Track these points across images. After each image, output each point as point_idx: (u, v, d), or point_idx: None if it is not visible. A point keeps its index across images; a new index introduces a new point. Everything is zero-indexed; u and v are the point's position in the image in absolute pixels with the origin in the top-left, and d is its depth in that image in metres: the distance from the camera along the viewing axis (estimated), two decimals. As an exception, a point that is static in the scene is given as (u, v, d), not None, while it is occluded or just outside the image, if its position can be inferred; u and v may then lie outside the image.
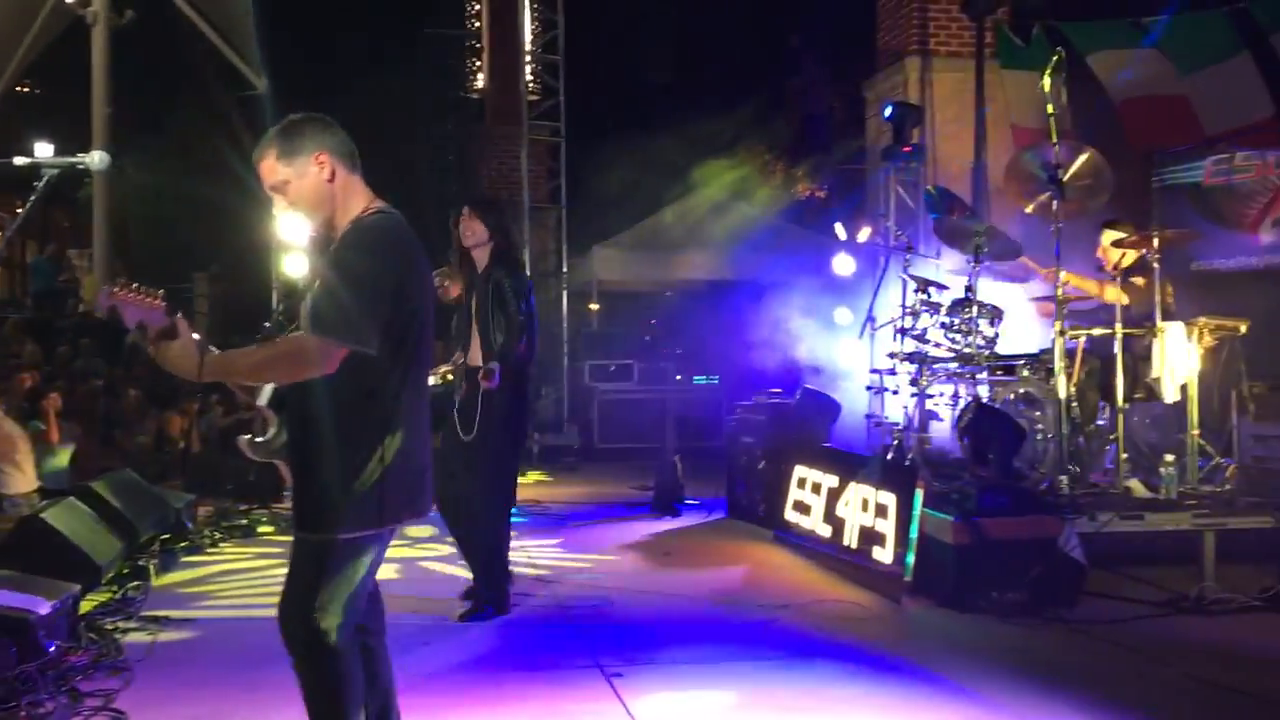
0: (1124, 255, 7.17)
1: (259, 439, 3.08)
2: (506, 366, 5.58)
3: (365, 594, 3.08)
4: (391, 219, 3.08)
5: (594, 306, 16.04)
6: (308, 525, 3.00)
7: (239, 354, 3.01)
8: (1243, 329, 6.89)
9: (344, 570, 2.96)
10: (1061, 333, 6.64)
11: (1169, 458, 6.53)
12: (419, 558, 7.24)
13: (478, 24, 16.80)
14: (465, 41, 16.44)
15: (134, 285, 2.90)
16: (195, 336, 2.89)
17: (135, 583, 6.12)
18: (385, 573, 7.11)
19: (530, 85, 15.44)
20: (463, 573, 6.74)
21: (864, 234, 9.60)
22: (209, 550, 7.43)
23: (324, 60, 15.41)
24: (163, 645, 5.13)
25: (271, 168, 3.05)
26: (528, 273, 6.01)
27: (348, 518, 2.93)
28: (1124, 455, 6.71)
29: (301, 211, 3.09)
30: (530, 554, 7.34)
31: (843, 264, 9.78)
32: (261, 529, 8.08)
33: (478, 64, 16.80)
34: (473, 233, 5.73)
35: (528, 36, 15.46)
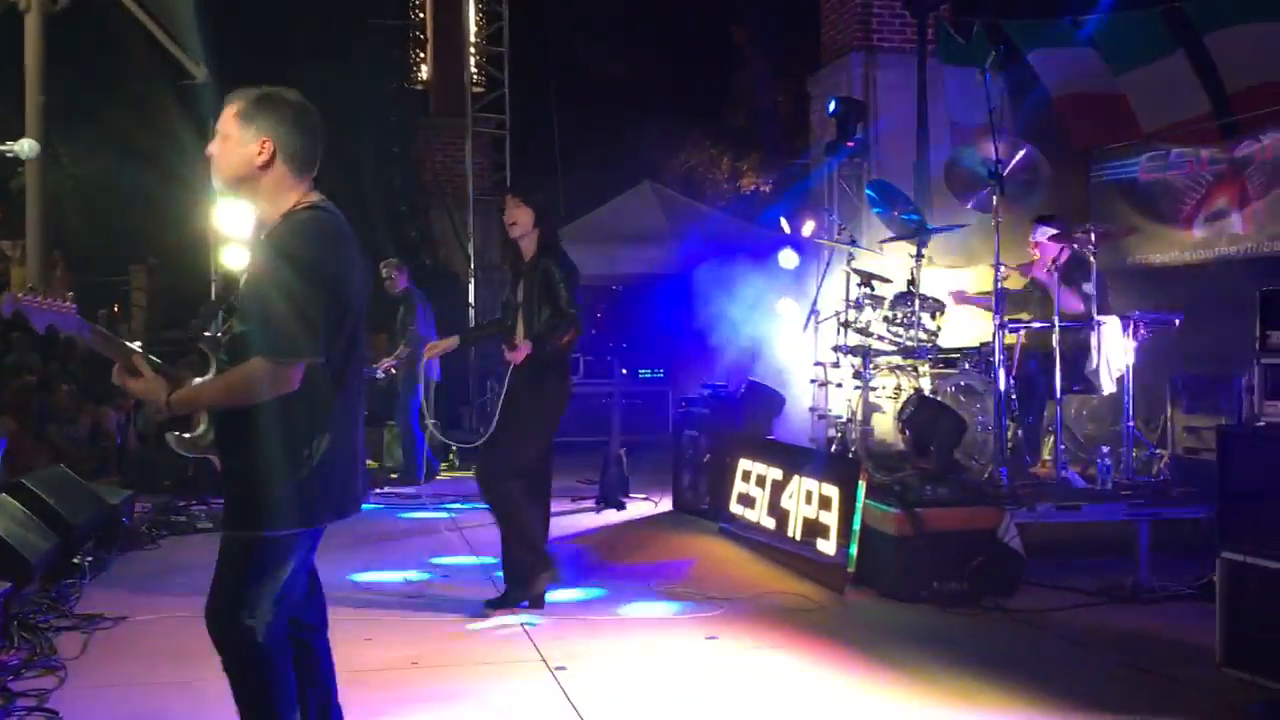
0: (1062, 250, 7.27)
1: (187, 434, 3.04)
2: (540, 352, 5.40)
3: (294, 592, 3.04)
4: (324, 216, 3.00)
5: (539, 300, 15.98)
6: (235, 522, 2.96)
7: (205, 385, 2.97)
8: (1176, 323, 7.02)
9: (271, 568, 2.93)
10: (1001, 325, 6.72)
11: (1105, 449, 6.65)
12: (362, 553, 7.17)
13: (421, 15, 16.63)
14: (408, 32, 16.26)
15: (40, 291, 2.90)
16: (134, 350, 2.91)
17: (69, 580, 5.99)
18: (327, 568, 6.98)
19: (475, 77, 15.32)
20: (406, 568, 6.69)
21: (808, 228, 9.64)
22: (146, 547, 7.30)
23: (265, 50, 15.17)
24: (97, 644, 5.04)
25: (229, 117, 3.01)
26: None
27: (275, 515, 2.89)
28: (1062, 446, 6.82)
29: (217, 173, 3.03)
30: (475, 547, 7.30)
31: (787, 258, 9.83)
32: (201, 525, 7.95)
33: (421, 55, 16.64)
34: (517, 221, 5.51)
35: (472, 28, 15.34)
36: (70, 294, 2.90)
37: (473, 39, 15.30)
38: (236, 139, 2.98)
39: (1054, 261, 7.28)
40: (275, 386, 2.83)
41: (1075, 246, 7.02)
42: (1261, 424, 4.44)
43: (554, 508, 8.93)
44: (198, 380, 3.00)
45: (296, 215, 2.97)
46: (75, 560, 6.27)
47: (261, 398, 2.84)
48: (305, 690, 3.13)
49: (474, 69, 15.33)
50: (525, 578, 5.59)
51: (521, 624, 5.41)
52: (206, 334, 3.07)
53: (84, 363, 11.55)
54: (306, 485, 2.89)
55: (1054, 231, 7.25)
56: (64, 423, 10.17)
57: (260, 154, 2.97)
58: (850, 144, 10.16)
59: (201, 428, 3.02)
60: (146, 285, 15.47)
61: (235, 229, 10.88)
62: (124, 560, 6.89)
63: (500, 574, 5.84)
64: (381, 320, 10.43)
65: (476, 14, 15.55)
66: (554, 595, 5.91)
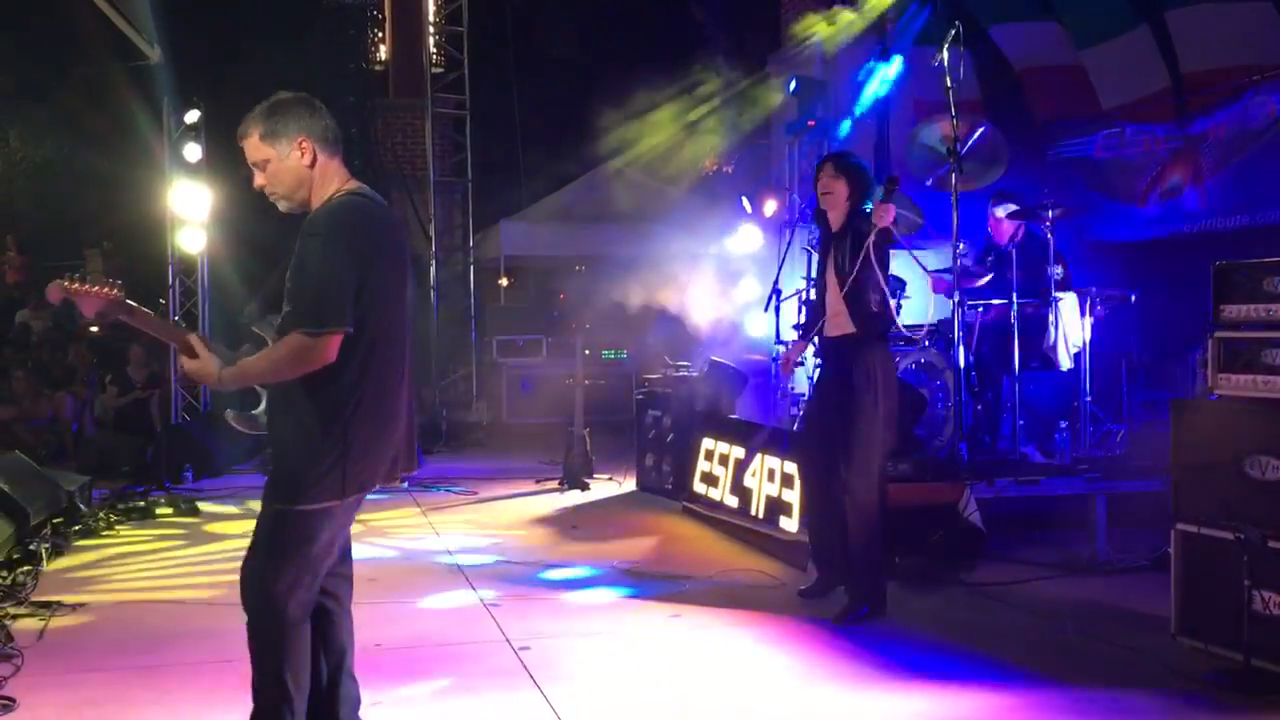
0: (1020, 227, 7.33)
1: (251, 411, 3.22)
2: (861, 320, 5.07)
3: (323, 565, 3.18)
4: (355, 200, 3.15)
5: (502, 281, 15.93)
6: (271, 495, 3.12)
7: (250, 363, 3.13)
8: (1132, 298, 7.10)
9: (301, 541, 3.08)
10: (960, 303, 6.76)
11: (1063, 424, 6.72)
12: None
13: (379, -6, 16.45)
14: (366, 12, 16.07)
15: (87, 279, 3.05)
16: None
17: (25, 567, 5.92)
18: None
19: (434, 57, 15.18)
20: (369, 550, 6.65)
21: (770, 208, 9.65)
22: (103, 533, 7.20)
23: (220, 30, 14.95)
24: (54, 631, 4.98)
25: (255, 146, 3.15)
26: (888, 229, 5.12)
27: (309, 490, 3.04)
28: (1020, 422, 6.88)
29: (277, 191, 3.18)
30: (439, 530, 7.28)
31: (749, 237, 9.84)
32: (159, 511, 7.84)
33: (379, 35, 16.46)
34: (831, 191, 5.22)
35: (430, 7, 15.19)
36: (118, 282, 3.06)
37: (431, 19, 15.15)
38: (277, 156, 3.15)
39: (1011, 238, 7.34)
40: (313, 358, 2.99)
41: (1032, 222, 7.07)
42: (1214, 397, 4.49)
43: (516, 489, 9.03)
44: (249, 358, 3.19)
45: (331, 203, 3.14)
46: (32, 546, 6.20)
47: (303, 369, 3.00)
48: (318, 654, 3.24)
49: (433, 49, 15.19)
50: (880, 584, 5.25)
51: (484, 604, 5.40)
52: (259, 319, 3.21)
53: (42, 348, 11.38)
54: (340, 462, 3.04)
55: (1012, 209, 7.29)
56: (20, 408, 10.04)
57: (304, 155, 3.15)
58: (811, 123, 10.15)
59: (261, 406, 3.22)
60: (103, 269, 15.25)
61: (191, 211, 10.77)
62: (81, 546, 6.81)
63: None
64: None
65: (435, -7, 15.39)
66: (518, 574, 5.91)
